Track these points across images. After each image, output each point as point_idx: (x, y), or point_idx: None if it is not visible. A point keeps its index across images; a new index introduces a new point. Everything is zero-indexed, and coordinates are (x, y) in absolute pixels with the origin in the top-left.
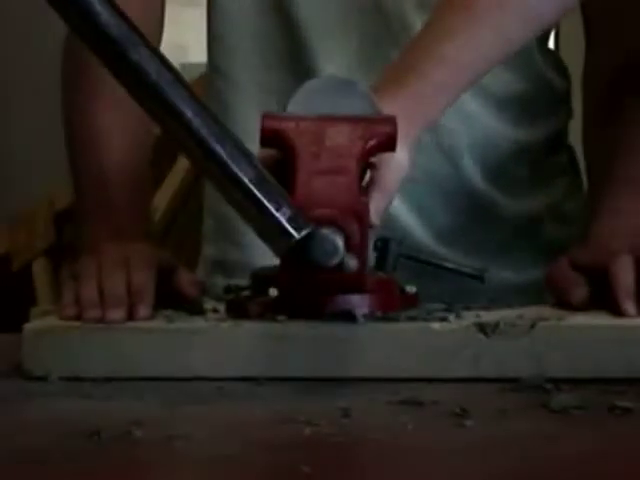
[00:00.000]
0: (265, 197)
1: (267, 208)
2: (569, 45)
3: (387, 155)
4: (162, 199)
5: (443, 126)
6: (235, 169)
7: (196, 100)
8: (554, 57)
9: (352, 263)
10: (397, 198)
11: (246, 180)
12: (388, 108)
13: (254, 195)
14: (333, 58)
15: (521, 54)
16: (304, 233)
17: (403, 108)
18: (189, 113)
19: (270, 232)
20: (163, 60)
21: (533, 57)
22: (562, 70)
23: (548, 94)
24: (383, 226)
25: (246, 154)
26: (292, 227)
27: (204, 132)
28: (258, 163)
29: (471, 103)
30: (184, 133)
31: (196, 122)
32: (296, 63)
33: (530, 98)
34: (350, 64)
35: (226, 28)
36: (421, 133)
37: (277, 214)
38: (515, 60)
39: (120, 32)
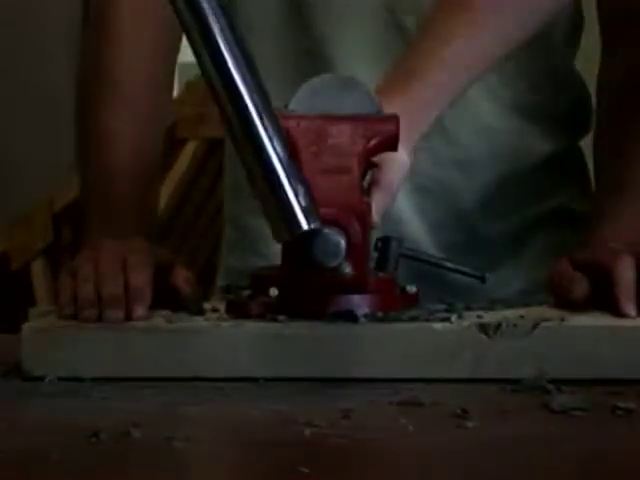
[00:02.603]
0: (288, 179)
1: (286, 191)
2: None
3: (389, 154)
4: (160, 200)
5: (462, 141)
6: (267, 143)
7: (251, 67)
8: (577, 73)
9: (348, 269)
10: (408, 208)
11: (275, 158)
12: (389, 111)
13: (278, 174)
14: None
15: (550, 68)
16: (311, 227)
17: (404, 110)
18: (239, 77)
19: (279, 216)
20: (232, 21)
21: (560, 70)
22: (583, 85)
23: (572, 107)
24: (389, 230)
25: (282, 134)
26: (304, 220)
27: (248, 97)
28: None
29: (495, 118)
30: (227, 91)
31: (244, 87)
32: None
33: (555, 111)
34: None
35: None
36: (438, 146)
37: (293, 200)
38: (544, 75)
39: None
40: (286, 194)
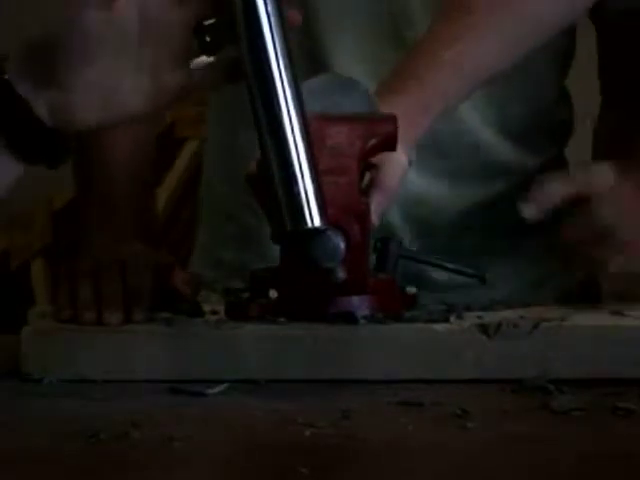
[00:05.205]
0: (305, 174)
1: (299, 184)
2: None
3: (387, 155)
4: (160, 199)
5: (452, 154)
6: (304, 144)
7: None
8: (564, 90)
9: (341, 274)
10: (399, 218)
11: (305, 158)
12: (388, 111)
13: (302, 169)
14: (347, 59)
15: (534, 88)
16: (314, 226)
17: (403, 111)
18: (285, 77)
19: (287, 206)
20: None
21: (544, 91)
22: (567, 101)
23: (553, 125)
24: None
25: (307, 127)
26: (309, 215)
27: (290, 98)
28: None
29: (483, 133)
30: (272, 90)
31: (286, 86)
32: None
33: (541, 124)
34: (364, 67)
35: None
36: (428, 159)
37: (303, 194)
38: (528, 94)
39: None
40: (298, 187)
